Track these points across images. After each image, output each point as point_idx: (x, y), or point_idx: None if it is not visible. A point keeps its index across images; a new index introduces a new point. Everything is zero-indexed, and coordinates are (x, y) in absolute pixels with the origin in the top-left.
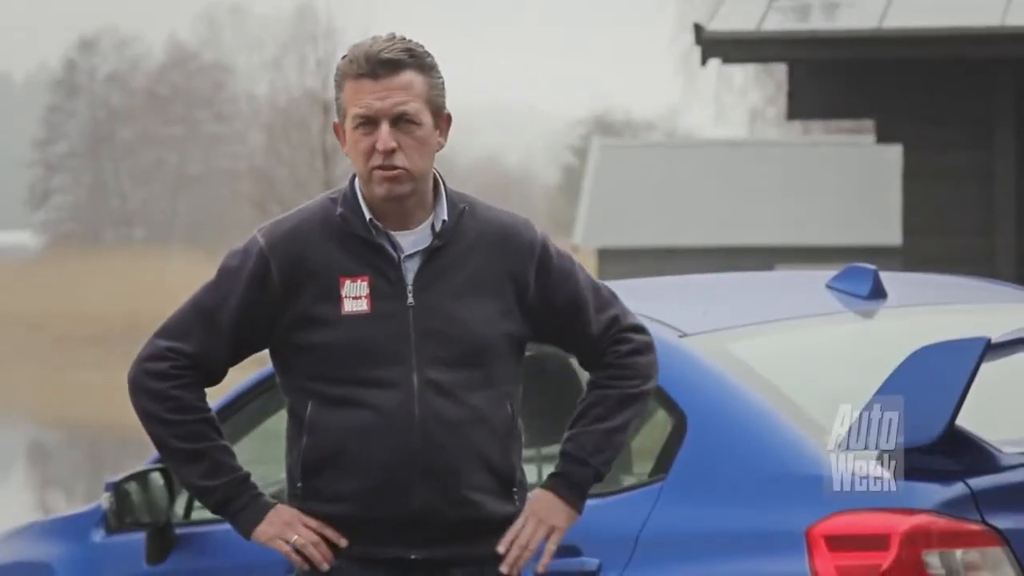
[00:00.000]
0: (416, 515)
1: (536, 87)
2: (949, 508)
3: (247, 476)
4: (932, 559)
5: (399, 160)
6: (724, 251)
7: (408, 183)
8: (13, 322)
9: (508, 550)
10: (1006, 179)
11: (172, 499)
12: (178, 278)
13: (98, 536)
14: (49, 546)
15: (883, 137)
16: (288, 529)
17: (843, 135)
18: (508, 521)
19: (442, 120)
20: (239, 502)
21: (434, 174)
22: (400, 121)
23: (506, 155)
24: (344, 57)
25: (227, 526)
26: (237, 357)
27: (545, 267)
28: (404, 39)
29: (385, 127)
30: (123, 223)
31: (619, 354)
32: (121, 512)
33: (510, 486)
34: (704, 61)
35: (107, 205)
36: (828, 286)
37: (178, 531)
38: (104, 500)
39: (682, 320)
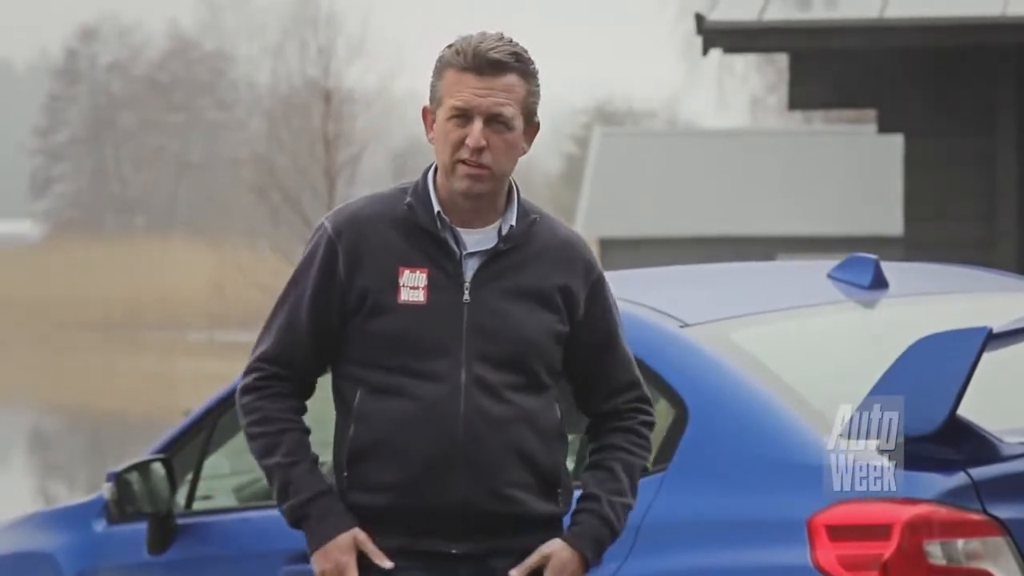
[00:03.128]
0: (455, 508)
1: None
2: (950, 498)
3: (314, 496)
4: (933, 549)
5: (486, 158)
6: (725, 241)
7: (489, 183)
8: (14, 308)
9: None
10: (1007, 168)
11: (173, 489)
12: (178, 265)
13: (100, 526)
14: (51, 536)
15: (884, 127)
16: (335, 572)
17: (845, 124)
18: (550, 520)
19: (531, 127)
20: (308, 524)
21: (510, 180)
22: (494, 121)
23: None
24: (450, 47)
25: (228, 516)
26: (322, 353)
27: (597, 296)
28: (512, 41)
29: (478, 124)
30: (124, 210)
31: (640, 422)
32: (123, 502)
33: (554, 487)
34: (705, 51)
35: (108, 192)
36: (829, 276)
37: (179, 521)
38: (106, 490)
39: (683, 310)
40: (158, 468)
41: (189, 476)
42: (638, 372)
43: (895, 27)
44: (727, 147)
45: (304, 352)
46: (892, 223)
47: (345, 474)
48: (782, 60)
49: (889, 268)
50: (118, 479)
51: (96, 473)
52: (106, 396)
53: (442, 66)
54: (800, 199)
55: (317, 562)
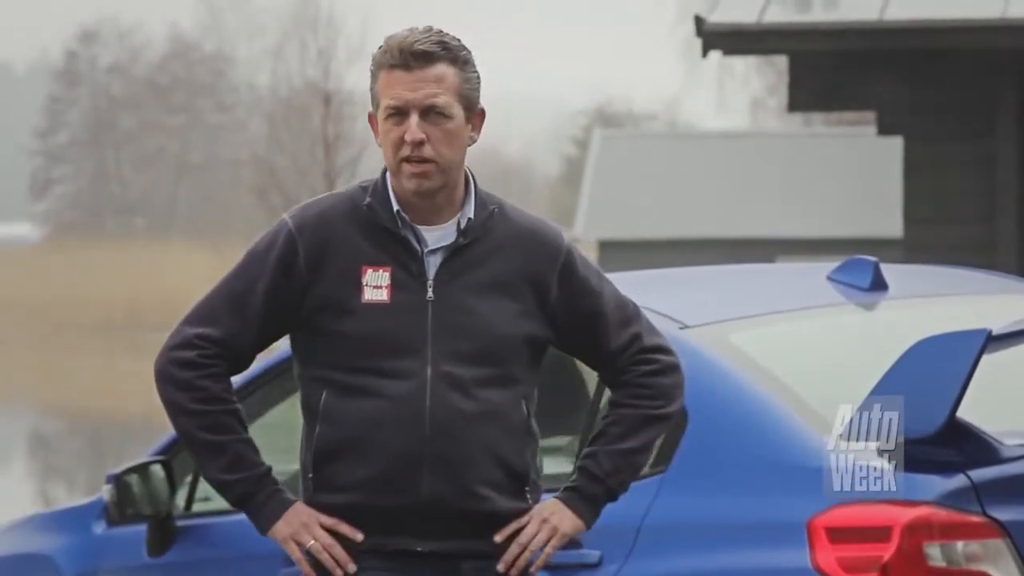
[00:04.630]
0: (425, 505)
1: (537, 77)
2: (950, 500)
3: (267, 471)
4: (933, 551)
5: (427, 152)
6: (725, 243)
7: (437, 176)
8: (14, 309)
9: (508, 547)
10: (1007, 170)
11: (173, 491)
12: (179, 266)
13: (99, 528)
14: (50, 538)
15: (884, 128)
16: (304, 531)
17: (844, 126)
18: (518, 517)
19: (475, 115)
20: (258, 498)
21: (466, 172)
22: (430, 113)
23: (507, 146)
24: (380, 47)
25: (228, 518)
26: (265, 342)
27: (568, 276)
28: (440, 32)
29: (414, 118)
30: (124, 211)
31: (640, 373)
32: (122, 504)
33: (522, 484)
34: (705, 53)
35: (108, 193)
36: (829, 278)
37: (179, 523)
38: (105, 492)
39: (683, 312)
40: (157, 470)
41: (188, 478)
42: (637, 323)
43: (895, 29)
44: (727, 149)
45: (247, 339)
46: (892, 225)
47: (311, 475)
48: (782, 62)
49: (889, 270)
50: (118, 481)
51: (96, 475)
52: (106, 397)
53: (375, 69)
54: (800, 201)
55: (280, 530)
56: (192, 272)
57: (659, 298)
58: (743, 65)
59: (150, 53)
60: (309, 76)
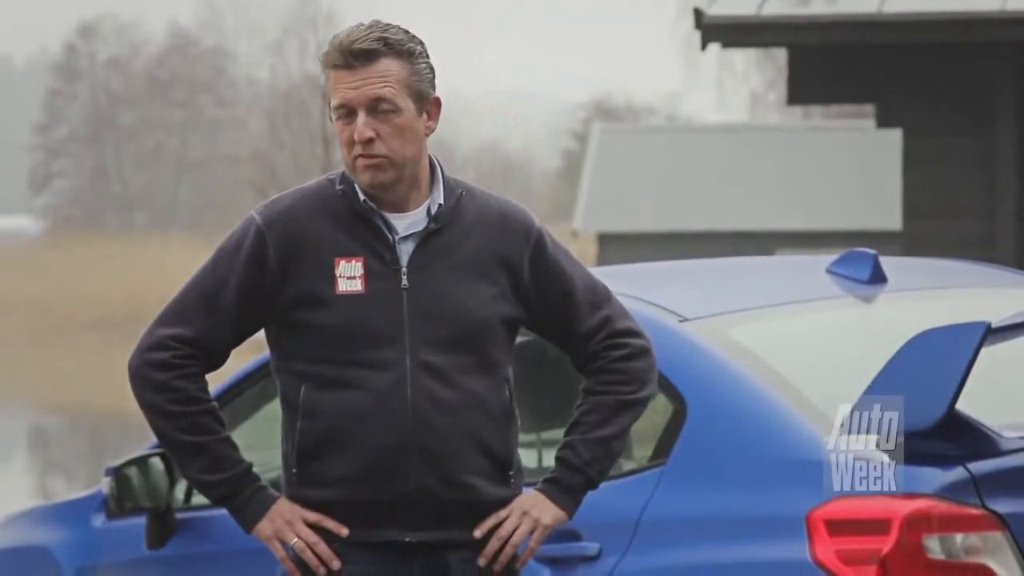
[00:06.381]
0: (411, 497)
1: (537, 71)
2: (949, 492)
3: (248, 469)
4: (932, 543)
5: (378, 148)
6: (724, 236)
7: (390, 170)
8: (14, 306)
9: (488, 540)
10: (1007, 163)
11: (172, 484)
12: (179, 263)
13: (98, 521)
14: (49, 531)
15: (883, 122)
16: (287, 528)
17: (843, 120)
18: (503, 504)
19: (429, 104)
20: (241, 497)
21: (431, 159)
22: (377, 109)
23: (507, 140)
24: (326, 47)
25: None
26: (239, 338)
27: (539, 256)
28: (385, 27)
29: (361, 116)
30: (124, 208)
31: (612, 359)
32: (121, 497)
33: (507, 470)
34: (704, 46)
35: (108, 190)
36: (828, 271)
37: (178, 516)
38: (104, 485)
39: (682, 305)
40: (157, 463)
41: None
42: (608, 307)
43: (894, 22)
44: (726, 143)
45: (221, 337)
46: (891, 218)
47: (295, 471)
48: (781, 56)
49: (888, 263)
50: (117, 474)
51: (95, 472)
52: (105, 395)
53: (324, 67)
54: (799, 194)
55: (264, 528)
56: (192, 268)
57: (658, 291)
58: (743, 64)
59: (150, 48)
60: (308, 71)
